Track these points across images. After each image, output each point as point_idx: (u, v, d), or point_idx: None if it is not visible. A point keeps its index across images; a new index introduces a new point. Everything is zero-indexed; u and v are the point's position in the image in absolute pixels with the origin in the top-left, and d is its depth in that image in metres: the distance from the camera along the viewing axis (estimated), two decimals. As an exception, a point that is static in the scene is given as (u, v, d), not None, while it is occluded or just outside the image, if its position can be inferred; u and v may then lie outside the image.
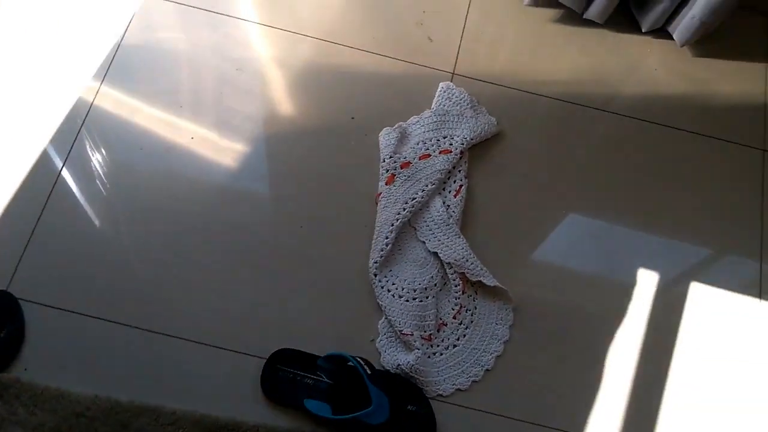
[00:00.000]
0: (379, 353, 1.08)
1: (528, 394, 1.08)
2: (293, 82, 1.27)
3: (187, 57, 1.27)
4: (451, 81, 1.30)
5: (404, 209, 1.15)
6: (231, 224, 1.15)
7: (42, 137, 1.17)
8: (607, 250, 1.20)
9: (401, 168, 1.19)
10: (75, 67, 1.24)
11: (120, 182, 1.16)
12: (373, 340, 1.09)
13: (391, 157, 1.19)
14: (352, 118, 1.25)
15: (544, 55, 1.35)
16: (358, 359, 1.01)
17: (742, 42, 1.41)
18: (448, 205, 1.18)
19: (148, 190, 1.16)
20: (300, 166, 1.20)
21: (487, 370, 1.09)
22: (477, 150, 1.25)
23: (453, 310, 1.11)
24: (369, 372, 0.99)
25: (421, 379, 1.05)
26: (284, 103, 1.25)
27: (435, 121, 1.24)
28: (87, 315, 1.06)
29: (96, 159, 1.17)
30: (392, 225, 1.14)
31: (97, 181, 1.15)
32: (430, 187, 1.18)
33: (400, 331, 1.07)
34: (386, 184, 1.18)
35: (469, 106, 1.26)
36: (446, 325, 1.11)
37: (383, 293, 1.10)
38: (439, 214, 1.16)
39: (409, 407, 1.03)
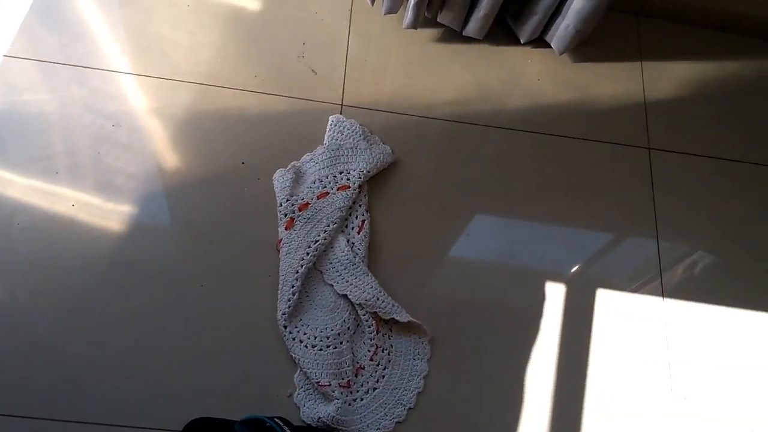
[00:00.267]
0: (298, 408, 1.05)
1: (454, 424, 1.08)
2: (175, 131, 1.21)
3: (58, 118, 1.19)
4: (341, 113, 1.27)
5: (308, 254, 1.12)
6: (126, 292, 1.08)
7: None
8: (513, 262, 1.21)
9: (300, 210, 1.16)
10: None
11: (-3, 264, 1.07)
12: (290, 395, 1.06)
13: (288, 200, 1.16)
14: (243, 163, 1.20)
15: (429, 76, 1.34)
16: (276, 420, 0.97)
17: (617, 43, 1.45)
18: (353, 243, 1.16)
19: (31, 268, 1.07)
20: (193, 220, 1.14)
21: (410, 408, 1.07)
22: (375, 181, 1.23)
23: (369, 351, 1.09)
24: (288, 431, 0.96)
25: (344, 429, 1.02)
26: (168, 156, 1.19)
27: (329, 157, 1.21)
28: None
29: (-34, 242, 1.07)
30: (297, 272, 1.10)
31: (-30, 267, 1.06)
32: (332, 226, 1.15)
33: (317, 382, 1.04)
34: (286, 229, 1.14)
35: (362, 137, 1.24)
36: (364, 368, 1.08)
37: (295, 345, 1.07)
38: (344, 254, 1.14)
39: (336, 461, 1.00)
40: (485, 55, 1.39)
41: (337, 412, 1.01)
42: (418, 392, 1.09)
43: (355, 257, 1.13)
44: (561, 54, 1.36)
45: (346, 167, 1.21)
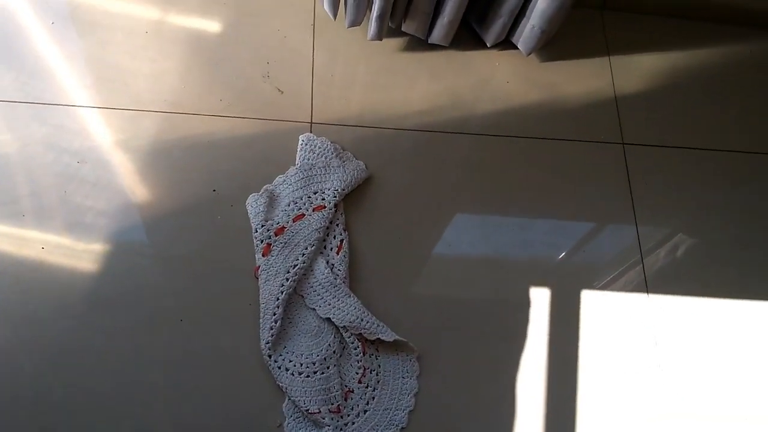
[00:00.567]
0: (290, 438, 1.03)
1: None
2: (143, 163, 1.18)
3: (20, 159, 1.16)
4: (311, 131, 1.25)
5: (287, 279, 1.10)
6: (105, 334, 1.06)
7: None
8: (495, 268, 1.21)
9: (276, 235, 1.13)
10: None
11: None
12: (280, 425, 1.04)
13: (263, 226, 1.14)
14: (214, 190, 1.18)
15: (397, 87, 1.33)
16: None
17: (584, 39, 1.45)
18: (333, 264, 1.14)
19: (5, 317, 1.04)
20: (167, 254, 1.12)
21: (403, 428, 1.06)
22: (351, 198, 1.21)
23: (357, 374, 1.08)
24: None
25: (338, 456, 1.01)
26: (137, 189, 1.16)
27: (302, 178, 1.19)
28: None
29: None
30: (278, 299, 1.08)
31: (-60, 321, 1.03)
32: (310, 249, 1.13)
33: (307, 410, 1.02)
34: (263, 255, 1.12)
35: (335, 155, 1.22)
36: (353, 391, 1.07)
37: (282, 373, 1.05)
38: (324, 276, 1.12)
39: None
40: (453, 62, 1.37)
41: (329, 440, 1.00)
42: (410, 411, 1.08)
43: (335, 279, 1.11)
44: (528, 55, 1.35)
45: (320, 187, 1.19)
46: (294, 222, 1.15)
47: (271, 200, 1.17)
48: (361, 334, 1.08)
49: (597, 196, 1.29)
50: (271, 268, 1.11)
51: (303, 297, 1.12)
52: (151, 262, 1.11)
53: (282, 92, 1.28)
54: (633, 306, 1.22)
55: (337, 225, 1.18)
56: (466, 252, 1.21)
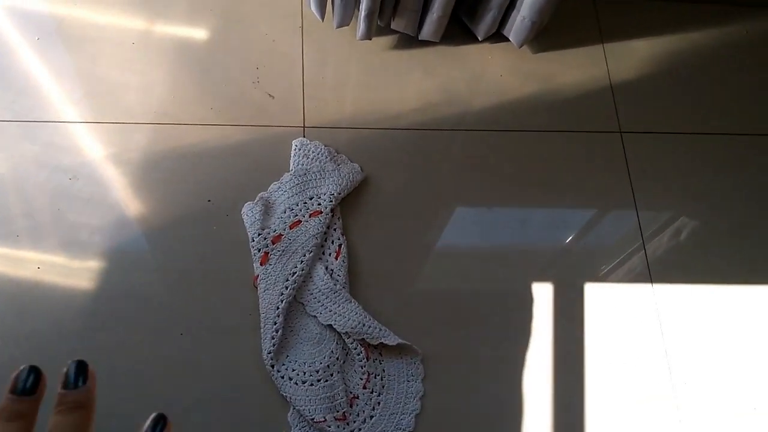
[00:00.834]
0: (297, 448, 1.02)
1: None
2: (136, 177, 1.17)
3: (11, 179, 1.14)
4: (304, 136, 1.24)
5: (287, 287, 1.09)
6: (106, 351, 1.05)
7: None
8: (497, 266, 1.20)
9: (273, 243, 1.12)
10: None
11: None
12: (286, 435, 1.03)
13: (260, 234, 1.12)
14: (209, 200, 1.17)
15: (390, 86, 1.31)
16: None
17: (577, 28, 1.42)
18: (332, 270, 1.13)
19: (4, 338, 1.03)
20: (164, 267, 1.11)
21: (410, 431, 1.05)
22: (347, 201, 1.20)
23: (362, 380, 1.06)
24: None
25: (345, 465, 0.99)
26: (132, 203, 1.15)
27: (297, 184, 1.18)
28: None
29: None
30: (278, 308, 1.07)
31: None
32: (308, 256, 1.12)
33: (312, 419, 1.01)
34: (261, 264, 1.11)
35: (329, 158, 1.21)
36: (358, 397, 1.06)
37: (285, 383, 1.04)
38: (324, 282, 1.10)
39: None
40: (445, 57, 1.36)
41: (336, 449, 0.99)
42: (416, 414, 1.06)
43: (335, 285, 1.10)
44: (520, 47, 1.34)
45: (315, 192, 1.17)
46: (291, 229, 1.14)
47: (267, 208, 1.16)
48: (363, 339, 1.07)
49: (596, 187, 1.27)
50: (270, 277, 1.10)
51: (303, 305, 1.10)
52: (148, 277, 1.10)
53: (273, 97, 1.27)
54: (637, 295, 1.20)
55: (335, 229, 1.16)
56: (467, 249, 1.20)
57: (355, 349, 1.07)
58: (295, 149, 1.22)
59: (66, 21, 1.27)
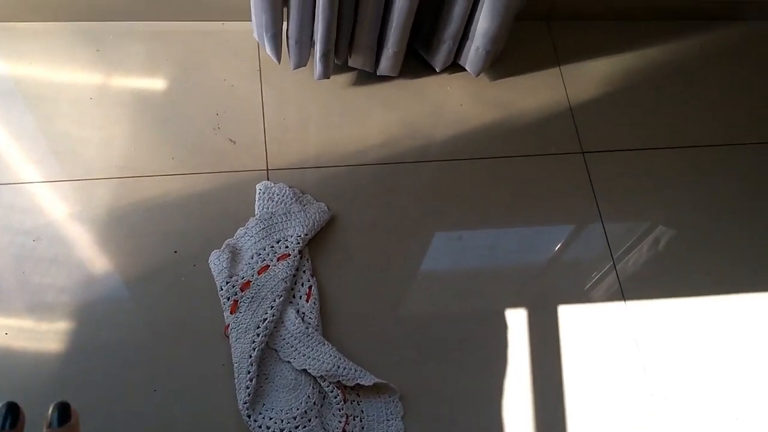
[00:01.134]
0: (278, 499, 1.00)
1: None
2: (100, 233, 1.16)
3: (-27, 244, 1.13)
4: (268, 179, 1.24)
5: (258, 335, 1.08)
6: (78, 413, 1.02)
7: None
8: (469, 296, 1.20)
9: (242, 290, 1.11)
10: None
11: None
12: (267, 486, 1.01)
13: (228, 282, 1.12)
14: (175, 251, 1.16)
15: (352, 123, 1.31)
16: None
17: (533, 52, 1.44)
18: (303, 313, 1.12)
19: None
20: (133, 323, 1.10)
21: (392, 473, 1.03)
22: (316, 241, 1.20)
23: (340, 423, 1.05)
24: None
25: None
26: (97, 260, 1.14)
27: (263, 228, 1.17)
28: None
29: None
30: (250, 356, 1.06)
31: None
32: (278, 301, 1.11)
33: (292, 468, 1.00)
34: (231, 312, 1.10)
35: (294, 200, 1.20)
36: (337, 442, 1.04)
37: (263, 433, 1.02)
38: (295, 326, 1.10)
39: None
40: (404, 90, 1.36)
41: (317, 497, 0.97)
42: (398, 454, 1.05)
43: (307, 328, 1.10)
44: (477, 76, 1.35)
45: (282, 234, 1.17)
46: (259, 275, 1.13)
47: (234, 255, 1.15)
48: (339, 381, 1.06)
49: (563, 208, 1.28)
50: (241, 326, 1.09)
51: (276, 351, 1.09)
52: (117, 334, 1.09)
53: (234, 142, 1.27)
54: (611, 313, 1.21)
55: (305, 271, 1.16)
56: (439, 280, 1.20)
57: (332, 392, 1.06)
58: (259, 193, 1.21)
59: (23, 80, 1.26)
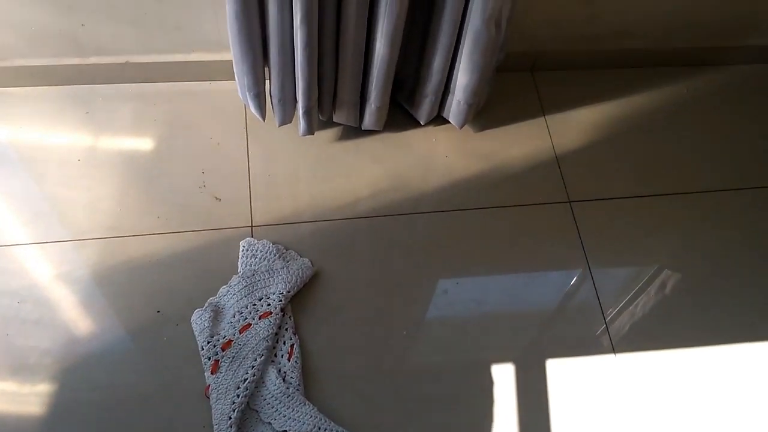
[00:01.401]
0: None
1: None
2: (84, 294, 1.17)
3: (-42, 308, 1.14)
4: (252, 235, 1.24)
5: (238, 396, 1.07)
6: (56, 479, 1.02)
7: None
8: (457, 353, 1.19)
9: (223, 350, 1.11)
10: None
11: None
12: None
13: (209, 342, 1.11)
14: (158, 311, 1.16)
15: (338, 177, 1.32)
16: None
17: (518, 103, 1.45)
18: (285, 372, 1.11)
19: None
20: (116, 384, 1.10)
21: None
22: (299, 298, 1.19)
23: (320, 486, 1.03)
24: None
25: None
26: (81, 322, 1.14)
27: (245, 285, 1.17)
28: None
29: None
30: (230, 418, 1.05)
31: None
32: (259, 360, 1.10)
33: None
34: (212, 373, 1.10)
35: (277, 256, 1.21)
36: (318, 506, 1.02)
37: (242, 497, 1.01)
38: (276, 387, 1.09)
39: None
40: (390, 144, 1.37)
41: None
42: None
43: (288, 388, 1.09)
44: (461, 128, 1.35)
45: (264, 292, 1.17)
46: (241, 333, 1.13)
47: (216, 313, 1.15)
48: (320, 442, 1.05)
49: (550, 258, 1.27)
50: (221, 386, 1.08)
51: (257, 411, 1.08)
52: (99, 396, 1.09)
53: (219, 200, 1.28)
54: (601, 366, 1.18)
55: (287, 329, 1.15)
56: (423, 336, 1.19)
57: (312, 453, 1.04)
58: (242, 250, 1.22)
59: (13, 144, 1.29)
